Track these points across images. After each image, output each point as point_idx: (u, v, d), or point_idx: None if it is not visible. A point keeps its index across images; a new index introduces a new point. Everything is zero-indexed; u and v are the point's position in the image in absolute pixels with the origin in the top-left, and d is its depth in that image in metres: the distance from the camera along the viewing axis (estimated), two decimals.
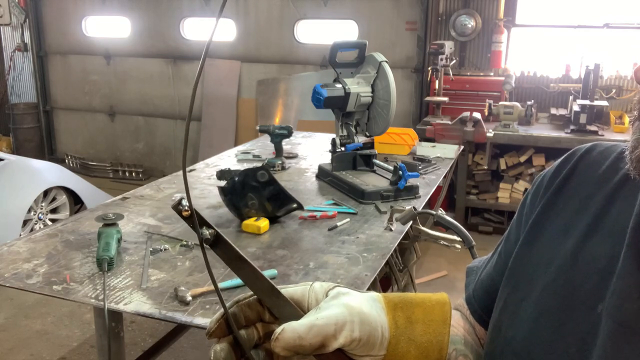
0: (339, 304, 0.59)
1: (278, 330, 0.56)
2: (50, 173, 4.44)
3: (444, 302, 0.64)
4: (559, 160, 0.73)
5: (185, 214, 0.53)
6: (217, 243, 0.58)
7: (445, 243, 1.92)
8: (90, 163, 6.84)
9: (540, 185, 0.73)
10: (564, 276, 0.62)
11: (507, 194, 4.80)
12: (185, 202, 0.53)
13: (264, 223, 2.05)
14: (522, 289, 0.67)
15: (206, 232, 0.56)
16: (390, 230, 2.07)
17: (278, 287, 0.63)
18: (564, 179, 0.69)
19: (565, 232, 0.65)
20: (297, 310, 0.62)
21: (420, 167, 2.83)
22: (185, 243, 1.91)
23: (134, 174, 6.60)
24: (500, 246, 0.79)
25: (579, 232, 0.64)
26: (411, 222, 2.04)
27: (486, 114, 4.57)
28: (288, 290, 0.63)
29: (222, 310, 0.59)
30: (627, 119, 4.61)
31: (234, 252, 0.59)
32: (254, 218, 2.06)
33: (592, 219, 0.63)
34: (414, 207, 1.97)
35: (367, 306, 0.60)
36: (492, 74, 5.14)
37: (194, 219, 0.54)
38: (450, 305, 0.64)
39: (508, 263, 0.72)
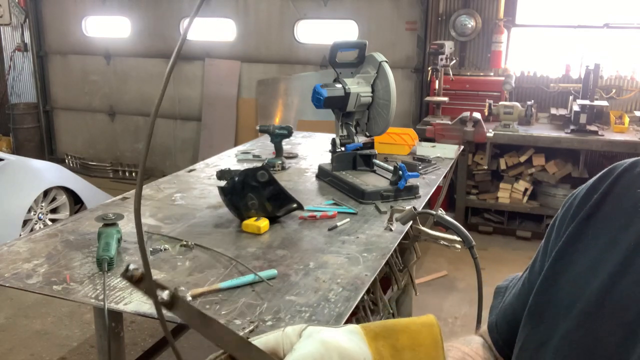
0: (314, 341, 0.56)
1: None
2: (50, 173, 4.44)
3: (431, 324, 0.60)
4: (594, 178, 0.62)
5: (136, 278, 0.47)
6: (175, 304, 0.53)
7: (445, 243, 1.92)
8: (90, 163, 6.84)
9: (570, 208, 0.62)
10: (587, 325, 0.54)
11: (507, 194, 4.79)
12: (132, 267, 0.47)
13: (264, 223, 2.05)
14: (542, 332, 0.60)
15: (162, 294, 0.51)
16: (390, 230, 2.07)
17: (250, 339, 0.60)
18: (596, 203, 0.59)
19: (593, 270, 0.56)
20: (272, 359, 0.59)
21: (420, 167, 2.83)
22: (185, 243, 1.91)
23: (134, 174, 6.60)
24: (526, 273, 0.71)
25: (608, 271, 0.54)
26: (411, 222, 2.04)
27: (486, 114, 4.57)
28: (260, 340, 0.60)
29: None
30: (627, 119, 4.61)
31: (194, 310, 0.55)
32: (254, 218, 2.06)
33: (624, 256, 0.53)
34: (414, 207, 1.97)
35: (346, 340, 0.56)
36: (492, 74, 5.14)
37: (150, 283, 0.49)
38: (438, 326, 0.60)
39: (530, 295, 0.65)
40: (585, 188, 0.62)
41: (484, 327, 0.80)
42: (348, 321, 1.88)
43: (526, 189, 4.76)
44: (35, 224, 4.23)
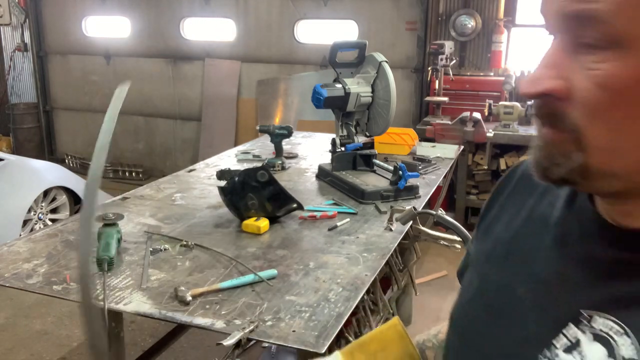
0: None
1: None
2: (50, 173, 4.44)
3: (394, 324, 0.72)
4: (500, 179, 0.82)
5: None
6: None
7: (445, 243, 1.92)
8: (90, 163, 6.83)
9: (493, 192, 0.83)
10: (498, 262, 0.71)
11: None
12: None
13: (264, 223, 2.05)
14: (469, 277, 0.77)
15: None
16: (390, 230, 2.07)
17: None
18: (511, 185, 0.78)
19: (508, 224, 0.74)
20: None
21: (420, 167, 2.83)
22: (185, 243, 1.91)
23: (134, 174, 6.60)
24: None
25: (517, 223, 0.72)
26: (411, 222, 2.04)
27: (486, 114, 4.57)
28: None
29: None
30: None
31: None
32: (254, 218, 2.06)
33: (528, 211, 0.71)
34: (414, 207, 1.97)
35: None
36: (492, 74, 5.14)
37: None
38: (400, 323, 0.72)
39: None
40: (495, 186, 0.82)
41: None
42: (348, 321, 1.88)
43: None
44: (35, 224, 4.23)
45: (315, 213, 2.21)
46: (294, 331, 1.39)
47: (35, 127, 7.11)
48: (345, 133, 2.71)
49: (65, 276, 1.67)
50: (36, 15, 6.87)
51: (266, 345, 2.83)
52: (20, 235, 3.78)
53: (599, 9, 0.48)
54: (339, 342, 1.86)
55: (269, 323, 1.43)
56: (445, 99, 4.87)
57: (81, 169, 6.68)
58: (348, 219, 2.16)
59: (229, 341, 1.32)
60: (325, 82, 2.63)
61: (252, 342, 1.48)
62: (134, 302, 1.53)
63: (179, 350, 3.12)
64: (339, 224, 2.11)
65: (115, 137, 6.90)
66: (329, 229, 2.08)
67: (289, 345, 1.36)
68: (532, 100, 0.58)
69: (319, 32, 5.94)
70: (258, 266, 1.75)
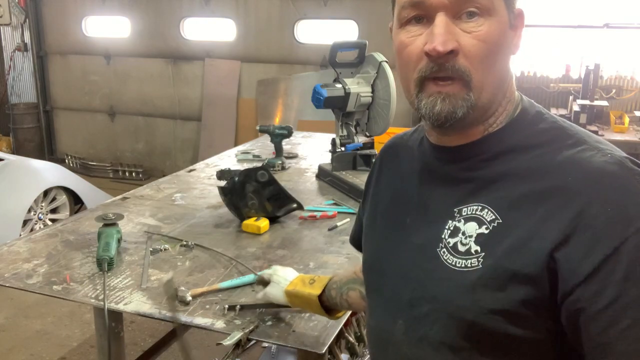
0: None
1: None
2: (50, 173, 4.44)
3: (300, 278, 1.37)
4: (378, 155, 1.10)
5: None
6: None
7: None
8: (90, 163, 6.84)
9: (372, 169, 1.09)
10: (388, 211, 0.97)
11: None
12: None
13: (264, 223, 2.05)
14: (369, 232, 1.03)
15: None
16: None
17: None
18: (379, 162, 1.07)
19: (387, 186, 1.01)
20: None
21: None
22: (185, 243, 1.91)
23: (134, 174, 6.60)
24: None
25: (393, 183, 0.99)
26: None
27: None
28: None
29: None
30: (627, 119, 4.61)
31: None
32: (254, 218, 2.06)
33: (398, 172, 0.99)
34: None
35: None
36: None
37: None
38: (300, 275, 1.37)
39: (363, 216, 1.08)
40: (376, 161, 1.09)
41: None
42: (348, 321, 1.88)
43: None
44: (35, 224, 4.23)
45: (315, 213, 2.21)
46: (294, 331, 1.39)
47: (35, 127, 7.11)
48: (345, 133, 2.71)
49: (65, 276, 1.67)
50: (36, 15, 6.87)
51: (266, 345, 2.84)
52: (20, 235, 3.78)
53: None
54: (338, 342, 1.86)
55: (269, 323, 1.43)
56: None
57: (81, 169, 6.68)
58: (348, 219, 2.16)
59: (229, 341, 1.32)
60: (325, 82, 2.63)
61: (252, 342, 1.48)
62: (134, 302, 1.53)
63: (179, 350, 3.12)
64: (339, 224, 2.11)
65: (115, 137, 6.94)
66: (329, 229, 2.08)
67: (289, 345, 1.36)
68: (424, 67, 0.79)
69: (319, 32, 5.94)
70: (258, 266, 1.75)
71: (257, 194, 2.07)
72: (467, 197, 0.83)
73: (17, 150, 6.90)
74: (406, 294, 0.87)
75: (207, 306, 1.51)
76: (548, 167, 0.78)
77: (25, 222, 4.09)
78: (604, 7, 4.82)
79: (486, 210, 0.80)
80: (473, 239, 0.80)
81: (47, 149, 7.18)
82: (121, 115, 6.83)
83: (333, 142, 2.69)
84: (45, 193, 4.30)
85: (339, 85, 2.58)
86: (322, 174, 2.74)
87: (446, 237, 0.83)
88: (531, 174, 0.78)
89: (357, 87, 2.60)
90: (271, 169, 2.74)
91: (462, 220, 0.82)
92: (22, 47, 7.01)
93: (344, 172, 2.62)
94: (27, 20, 6.85)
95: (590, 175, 0.74)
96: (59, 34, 6.87)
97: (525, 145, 0.82)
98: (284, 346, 1.40)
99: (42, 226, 4.18)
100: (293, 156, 3.18)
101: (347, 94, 2.57)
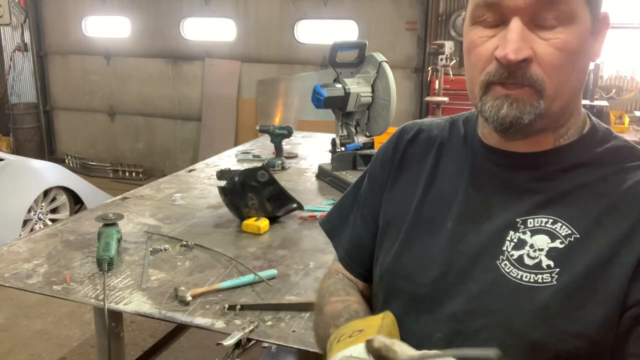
0: None
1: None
2: (50, 173, 4.44)
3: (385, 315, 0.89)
4: (390, 140, 1.01)
5: None
6: None
7: None
8: (90, 163, 6.84)
9: (385, 160, 0.99)
10: (418, 212, 0.89)
11: None
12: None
13: (264, 223, 2.05)
14: (395, 233, 0.91)
15: None
16: None
17: None
18: (401, 156, 0.96)
19: (414, 186, 0.91)
20: None
21: None
22: (185, 243, 1.91)
23: (134, 174, 6.60)
24: (360, 212, 1.02)
25: (422, 183, 0.90)
26: None
27: None
28: None
29: None
30: (627, 119, 4.61)
31: None
32: (254, 218, 2.06)
33: (428, 171, 0.90)
34: None
35: None
36: None
37: None
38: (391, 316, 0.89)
39: (377, 222, 0.97)
40: (390, 145, 1.00)
41: (335, 265, 1.06)
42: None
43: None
44: (35, 224, 4.23)
45: (315, 213, 2.21)
46: (294, 331, 1.39)
47: (35, 127, 7.11)
48: (345, 133, 2.71)
49: (65, 276, 1.67)
50: (36, 15, 6.87)
51: (266, 345, 2.84)
52: (20, 235, 3.78)
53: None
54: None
55: (269, 323, 1.43)
56: (445, 99, 4.86)
57: (81, 169, 6.68)
58: None
59: (229, 341, 1.32)
60: (325, 82, 2.63)
61: (252, 342, 1.48)
62: (134, 302, 1.53)
63: (179, 350, 3.12)
64: None
65: (115, 137, 6.94)
66: None
67: (289, 345, 1.36)
68: (494, 71, 0.75)
69: (319, 32, 5.94)
70: (258, 266, 1.75)
71: (257, 194, 2.07)
72: (534, 209, 0.78)
73: (17, 150, 6.90)
74: (449, 307, 0.81)
75: (207, 306, 1.51)
76: (626, 185, 0.75)
77: (25, 222, 4.09)
78: (604, 7, 4.82)
79: (559, 224, 0.75)
80: (544, 252, 0.75)
81: (47, 149, 7.18)
82: (121, 115, 6.83)
83: (333, 142, 2.69)
84: (45, 193, 4.30)
85: (339, 85, 2.58)
86: (322, 174, 2.74)
87: (508, 249, 0.77)
88: (609, 190, 0.75)
89: (357, 87, 2.60)
90: (271, 169, 2.74)
91: (529, 233, 0.77)
92: (22, 47, 7.02)
93: (344, 172, 2.62)
94: (27, 20, 6.85)
95: None
96: (59, 34, 6.87)
97: (599, 161, 0.78)
98: (284, 346, 1.40)
99: (42, 226, 4.18)
100: (293, 156, 3.17)
101: (347, 94, 2.57)
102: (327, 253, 1.87)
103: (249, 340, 1.37)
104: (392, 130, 3.03)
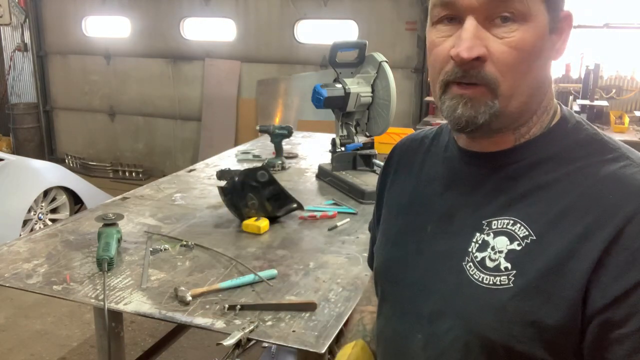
0: None
1: None
2: (50, 173, 4.44)
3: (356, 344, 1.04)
4: (388, 154, 1.05)
5: None
6: None
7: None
8: (90, 163, 6.84)
9: (382, 173, 1.05)
10: (404, 216, 0.93)
11: None
12: None
13: (264, 223, 2.05)
14: (385, 238, 0.97)
15: None
16: None
17: None
18: (395, 164, 1.01)
19: (402, 194, 0.96)
20: None
21: None
22: (185, 243, 1.91)
23: (134, 174, 6.60)
24: (375, 224, 1.09)
25: (409, 189, 0.94)
26: None
27: None
28: None
29: None
30: (627, 119, 4.61)
31: None
32: (254, 218, 2.06)
33: (415, 176, 0.94)
34: None
35: None
36: None
37: None
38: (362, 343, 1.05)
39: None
40: (386, 160, 1.05)
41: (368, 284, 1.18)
42: (346, 321, 1.88)
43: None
44: (35, 224, 4.23)
45: (315, 213, 2.21)
46: (294, 331, 1.40)
47: (35, 127, 7.10)
48: (345, 133, 2.71)
49: (65, 276, 1.67)
50: (36, 15, 6.87)
51: (266, 345, 2.84)
52: (20, 235, 3.78)
53: None
54: (339, 342, 1.86)
55: (269, 323, 1.43)
56: None
57: (81, 169, 6.68)
58: (348, 219, 2.16)
59: (229, 341, 1.32)
60: (325, 82, 2.63)
61: (252, 342, 1.48)
62: (134, 302, 1.53)
63: (179, 350, 3.12)
64: (339, 224, 2.11)
65: (115, 137, 6.94)
66: (329, 229, 2.08)
67: (289, 345, 1.36)
68: (450, 71, 0.75)
69: (319, 32, 5.94)
70: (258, 266, 1.75)
71: (257, 194, 2.07)
72: (499, 210, 0.78)
73: (17, 150, 6.89)
74: (426, 308, 0.83)
75: (207, 306, 1.51)
76: (588, 183, 0.73)
77: (25, 222, 4.09)
78: (604, 7, 4.82)
79: (518, 225, 0.75)
80: (503, 255, 0.75)
81: (47, 149, 7.18)
82: (121, 115, 6.83)
83: (333, 142, 2.69)
84: (45, 193, 4.30)
85: (339, 85, 2.58)
86: (322, 174, 2.74)
87: (473, 250, 0.79)
88: (569, 189, 0.74)
89: (357, 87, 2.60)
90: (271, 169, 2.74)
91: (492, 234, 0.77)
92: (22, 47, 7.01)
93: (344, 172, 2.62)
94: (27, 20, 6.85)
95: (633, 193, 0.70)
96: (59, 34, 6.87)
97: (563, 157, 0.77)
98: (284, 346, 1.40)
99: (42, 226, 4.18)
100: (293, 156, 3.17)
101: (347, 94, 2.57)
102: (327, 253, 1.87)
103: (249, 340, 1.37)
104: (392, 130, 3.05)
